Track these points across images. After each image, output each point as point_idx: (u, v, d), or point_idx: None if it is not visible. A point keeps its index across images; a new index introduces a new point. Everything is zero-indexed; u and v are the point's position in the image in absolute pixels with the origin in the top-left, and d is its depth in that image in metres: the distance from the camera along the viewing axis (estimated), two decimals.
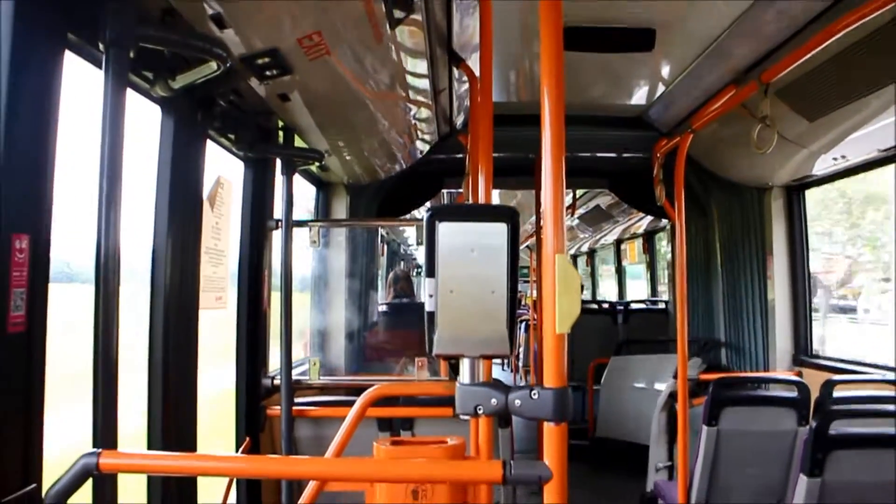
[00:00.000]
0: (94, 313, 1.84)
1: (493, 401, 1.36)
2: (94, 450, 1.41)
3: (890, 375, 3.74)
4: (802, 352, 4.78)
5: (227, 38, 2.20)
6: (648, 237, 10.05)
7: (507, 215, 1.36)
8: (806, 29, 2.99)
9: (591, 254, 13.90)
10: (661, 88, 4.37)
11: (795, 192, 4.88)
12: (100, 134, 1.79)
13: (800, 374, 4.50)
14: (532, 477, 1.33)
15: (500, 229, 1.35)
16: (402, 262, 12.24)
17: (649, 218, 8.86)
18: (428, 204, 6.51)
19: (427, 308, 1.35)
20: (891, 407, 2.87)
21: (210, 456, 1.71)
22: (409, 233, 11.35)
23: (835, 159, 4.06)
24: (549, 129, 1.32)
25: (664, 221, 8.10)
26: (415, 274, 12.49)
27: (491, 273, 1.34)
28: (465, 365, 1.40)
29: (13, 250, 1.57)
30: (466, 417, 1.43)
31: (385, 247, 8.89)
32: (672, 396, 4.48)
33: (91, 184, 1.80)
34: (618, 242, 11.56)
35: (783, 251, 4.89)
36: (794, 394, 3.55)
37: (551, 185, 1.31)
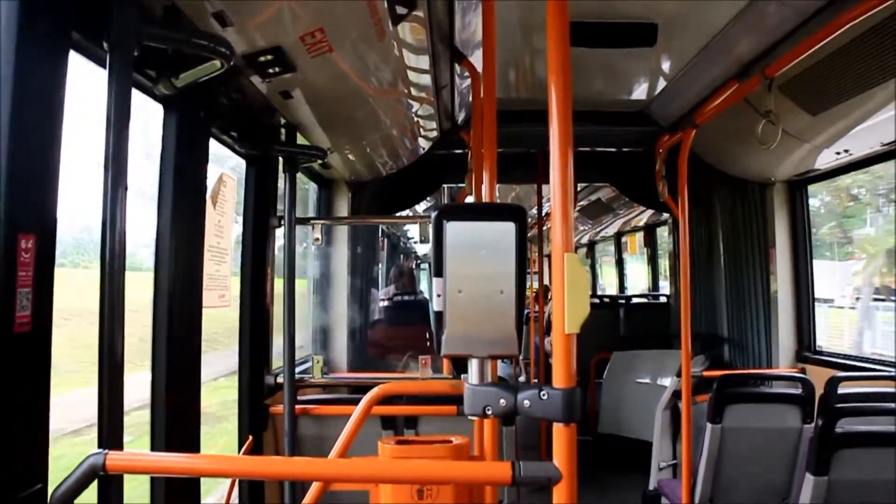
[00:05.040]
0: (99, 314, 1.83)
1: (502, 401, 1.35)
2: (101, 450, 1.41)
3: (894, 372, 3.73)
4: (806, 348, 4.77)
5: (229, 36, 2.20)
6: (650, 230, 10.03)
7: (514, 215, 1.35)
8: (809, 22, 2.98)
9: (591, 246, 13.88)
10: (662, 83, 4.34)
11: (798, 187, 4.87)
12: (104, 133, 1.78)
13: (803, 371, 4.50)
14: (541, 478, 1.33)
15: (508, 228, 1.34)
16: (402, 256, 12.20)
17: (650, 210, 8.84)
18: (428, 199, 6.51)
19: (435, 307, 1.35)
20: None
21: (215, 457, 1.71)
22: (411, 226, 11.33)
23: (837, 154, 4.05)
24: (556, 125, 1.31)
25: (666, 214, 8.08)
26: (415, 266, 12.46)
27: (499, 273, 1.34)
28: (473, 365, 1.39)
29: (19, 250, 1.56)
30: (474, 418, 1.42)
31: (385, 241, 8.86)
32: (675, 394, 4.47)
33: (96, 182, 1.79)
34: (618, 235, 11.54)
35: (786, 246, 4.89)
36: (798, 391, 3.54)
37: (559, 181, 1.30)
